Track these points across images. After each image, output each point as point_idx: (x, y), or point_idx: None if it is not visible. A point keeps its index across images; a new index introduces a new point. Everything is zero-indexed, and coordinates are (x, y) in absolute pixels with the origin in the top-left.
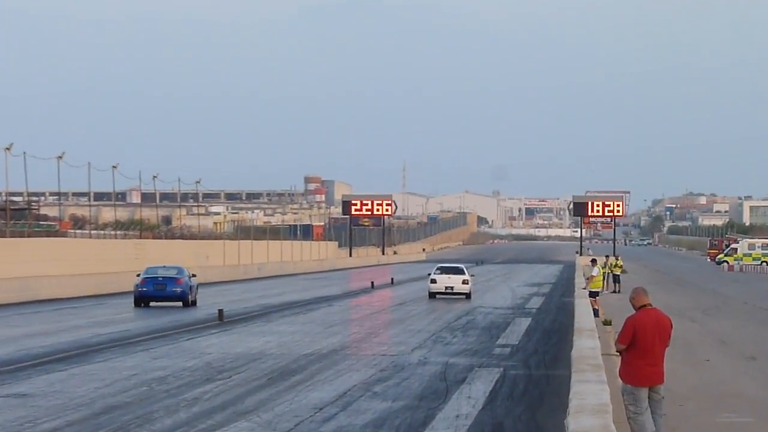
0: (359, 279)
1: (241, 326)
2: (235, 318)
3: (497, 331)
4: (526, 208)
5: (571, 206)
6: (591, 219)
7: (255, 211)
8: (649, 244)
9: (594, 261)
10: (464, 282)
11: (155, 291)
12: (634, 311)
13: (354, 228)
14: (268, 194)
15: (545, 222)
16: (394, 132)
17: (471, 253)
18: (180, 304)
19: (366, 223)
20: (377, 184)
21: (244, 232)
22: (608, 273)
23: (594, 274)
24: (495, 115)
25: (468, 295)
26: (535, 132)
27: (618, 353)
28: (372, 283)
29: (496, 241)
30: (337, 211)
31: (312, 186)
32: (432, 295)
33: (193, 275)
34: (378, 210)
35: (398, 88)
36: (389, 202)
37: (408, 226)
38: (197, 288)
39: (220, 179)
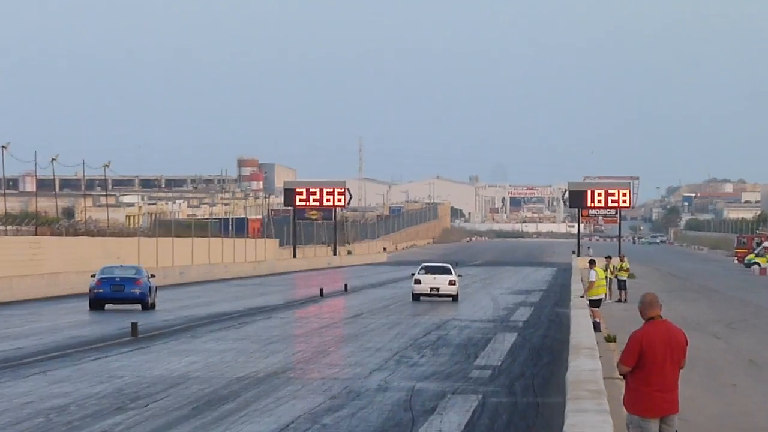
0: (305, 285)
1: (160, 343)
2: (153, 333)
3: (475, 350)
4: (511, 198)
5: (567, 195)
6: (591, 211)
7: (177, 201)
8: (663, 242)
9: (592, 262)
10: (451, 282)
11: (112, 293)
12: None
13: (299, 222)
14: (193, 181)
15: (535, 215)
16: (348, 106)
17: (443, 253)
18: (139, 306)
19: (313, 216)
20: (327, 168)
21: (164, 228)
22: (612, 278)
23: (593, 279)
24: (472, 87)
25: (455, 297)
26: (521, 107)
27: (622, 377)
28: (321, 290)
29: (474, 239)
30: (278, 201)
31: (247, 171)
32: (416, 297)
33: (152, 275)
34: (328, 200)
35: (353, 54)
36: (342, 190)
37: (365, 219)
38: (156, 289)
39: (133, 162)
